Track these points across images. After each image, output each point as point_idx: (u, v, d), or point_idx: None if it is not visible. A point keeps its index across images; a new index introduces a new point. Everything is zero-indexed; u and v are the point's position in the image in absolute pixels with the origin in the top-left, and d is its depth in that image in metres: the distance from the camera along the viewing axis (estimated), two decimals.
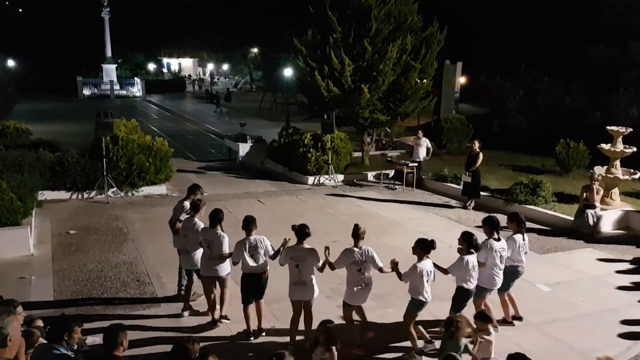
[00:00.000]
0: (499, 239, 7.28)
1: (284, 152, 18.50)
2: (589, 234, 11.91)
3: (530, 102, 24.88)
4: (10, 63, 51.44)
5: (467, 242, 6.94)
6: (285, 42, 26.44)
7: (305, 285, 6.77)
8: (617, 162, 13.79)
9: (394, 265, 6.73)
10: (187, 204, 8.22)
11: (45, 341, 5.13)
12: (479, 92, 28.79)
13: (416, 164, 16.53)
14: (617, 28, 23.20)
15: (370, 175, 17.89)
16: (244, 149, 20.03)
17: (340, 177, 17.38)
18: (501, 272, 7.29)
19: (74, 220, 12.42)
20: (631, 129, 13.79)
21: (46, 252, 10.37)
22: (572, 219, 12.34)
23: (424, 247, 6.69)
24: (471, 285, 6.96)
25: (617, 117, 19.20)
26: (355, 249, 6.74)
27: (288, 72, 28.70)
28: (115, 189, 14.40)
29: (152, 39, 62.48)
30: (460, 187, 14.92)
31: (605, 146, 13.85)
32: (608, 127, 13.95)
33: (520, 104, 25.16)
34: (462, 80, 29.33)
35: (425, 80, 19.27)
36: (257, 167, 19.47)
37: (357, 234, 6.79)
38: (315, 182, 17.02)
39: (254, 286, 7.09)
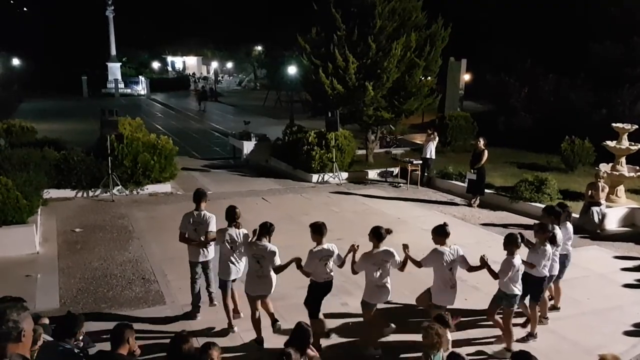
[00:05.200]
0: (560, 229, 7.54)
1: (288, 150, 18.51)
2: (594, 232, 11.87)
3: (535, 99, 24.80)
4: (15, 62, 51.60)
5: (544, 234, 7.08)
6: (289, 40, 26.42)
7: (386, 288, 6.66)
8: (623, 160, 13.75)
9: (484, 263, 6.66)
10: (207, 213, 7.57)
11: (50, 338, 5.16)
12: (483, 90, 28.72)
13: (421, 162, 16.54)
14: (622, 25, 23.09)
15: (375, 173, 17.88)
16: (248, 147, 20.07)
17: (345, 174, 17.37)
18: (558, 260, 7.61)
19: (80, 219, 12.46)
20: (637, 126, 13.76)
21: (52, 250, 10.41)
22: (577, 216, 12.30)
23: (513, 243, 6.72)
24: (545, 273, 7.17)
25: (622, 114, 19.14)
26: (446, 249, 6.64)
27: (292, 69, 28.70)
28: (120, 187, 14.44)
29: (156, 38, 62.63)
30: (465, 184, 14.91)
31: (611, 143, 13.81)
32: (613, 124, 13.91)
33: (525, 101, 25.09)
34: (466, 77, 29.28)
35: (429, 78, 19.24)
36: (262, 165, 19.48)
37: (444, 232, 6.68)
38: (319, 180, 17.03)
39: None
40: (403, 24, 18.24)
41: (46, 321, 6.00)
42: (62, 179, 14.15)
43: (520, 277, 6.79)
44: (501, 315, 6.97)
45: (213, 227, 7.50)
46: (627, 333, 7.60)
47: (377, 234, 6.61)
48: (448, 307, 6.62)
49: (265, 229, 6.77)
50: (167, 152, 15.20)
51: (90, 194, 14.40)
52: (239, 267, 7.24)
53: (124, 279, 9.12)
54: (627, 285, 9.30)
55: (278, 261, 6.69)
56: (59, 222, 12.06)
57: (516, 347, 6.87)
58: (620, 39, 23.09)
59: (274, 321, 7.11)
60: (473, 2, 30.96)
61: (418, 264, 6.77)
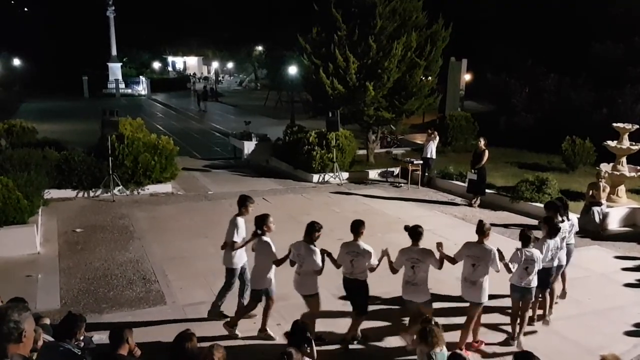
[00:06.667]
0: (562, 221, 7.74)
1: (289, 150, 18.50)
2: (595, 232, 11.85)
3: (536, 99, 24.80)
4: (16, 62, 51.65)
5: (549, 226, 7.33)
6: (289, 40, 26.43)
7: (417, 287, 6.68)
8: (624, 160, 13.73)
9: (501, 255, 6.82)
10: (240, 220, 7.33)
11: (51, 339, 5.16)
12: (484, 89, 28.73)
13: (421, 162, 16.54)
14: (623, 25, 23.10)
15: (375, 173, 17.87)
16: (249, 147, 20.07)
17: (345, 175, 17.37)
18: (563, 252, 7.84)
19: (80, 219, 12.46)
20: (637, 126, 13.74)
21: (53, 250, 10.41)
22: (578, 216, 12.27)
23: (523, 239, 7.01)
24: (554, 263, 7.46)
25: (623, 114, 19.13)
26: (477, 245, 6.78)
27: (293, 70, 28.71)
28: (121, 187, 14.44)
29: (157, 38, 62.72)
30: (466, 184, 14.90)
31: (612, 143, 13.79)
32: (614, 124, 13.90)
33: (526, 101, 25.09)
34: (467, 77, 29.27)
35: (430, 78, 19.23)
36: (262, 165, 19.48)
37: (482, 230, 6.79)
38: (320, 180, 17.02)
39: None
40: (404, 24, 18.23)
41: (47, 321, 6.00)
42: (63, 179, 14.15)
43: (532, 271, 6.92)
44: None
45: (229, 234, 7.30)
46: (628, 333, 7.59)
47: (414, 233, 6.76)
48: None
49: (311, 229, 6.77)
50: (167, 152, 15.20)
51: (91, 194, 14.40)
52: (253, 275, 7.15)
53: (124, 279, 9.11)
54: (628, 285, 9.29)
55: (318, 261, 6.66)
56: (60, 223, 12.06)
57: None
58: (621, 39, 23.09)
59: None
60: (473, 2, 30.95)
61: (453, 260, 6.90)
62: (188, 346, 4.72)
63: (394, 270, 6.82)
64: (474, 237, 7.10)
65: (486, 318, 7.48)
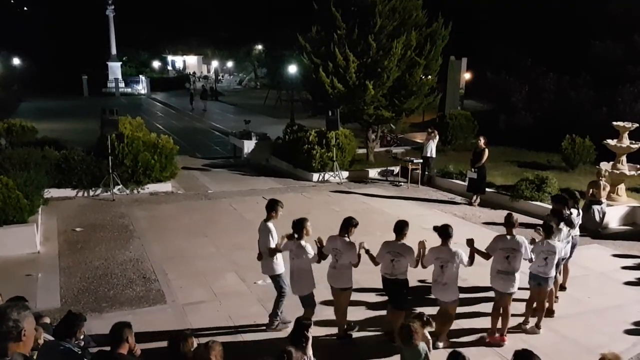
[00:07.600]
0: (571, 213, 8.00)
1: (289, 149, 18.49)
2: (595, 230, 11.84)
3: (536, 98, 24.79)
4: (16, 61, 51.61)
5: (558, 219, 7.54)
6: (289, 39, 26.41)
7: (445, 286, 6.72)
8: (623, 158, 13.72)
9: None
10: (271, 226, 7.13)
11: (51, 338, 5.16)
12: (484, 88, 28.69)
13: (421, 161, 16.53)
14: (623, 24, 23.06)
15: (375, 172, 17.87)
16: (248, 146, 20.06)
17: (345, 173, 17.36)
18: (569, 244, 8.16)
19: (80, 218, 12.46)
20: (637, 125, 13.71)
21: (52, 249, 10.41)
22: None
23: (547, 230, 7.22)
24: (562, 255, 7.71)
25: (623, 113, 19.12)
26: (507, 236, 6.99)
27: (292, 69, 28.69)
28: (120, 186, 14.44)
29: (156, 37, 62.63)
30: (466, 183, 14.90)
31: (611, 142, 13.78)
32: (614, 123, 13.88)
33: (526, 100, 25.08)
34: (467, 76, 29.25)
35: (429, 77, 19.22)
36: (262, 164, 19.47)
37: (510, 222, 7.02)
38: (319, 179, 17.02)
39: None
40: (403, 23, 18.22)
41: (47, 320, 6.00)
42: (63, 178, 14.15)
43: (551, 262, 7.14)
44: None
45: (263, 242, 7.14)
46: (628, 332, 7.60)
47: (444, 233, 6.77)
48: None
49: (348, 224, 6.84)
50: (167, 151, 15.20)
51: (91, 193, 14.40)
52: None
53: (124, 278, 9.11)
54: (627, 284, 9.30)
55: (356, 254, 6.73)
56: (60, 222, 12.06)
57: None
58: (621, 38, 23.06)
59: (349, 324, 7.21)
60: (473, 1, 30.90)
61: (487, 256, 7.05)
62: (184, 346, 4.72)
63: (423, 266, 6.91)
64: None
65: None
